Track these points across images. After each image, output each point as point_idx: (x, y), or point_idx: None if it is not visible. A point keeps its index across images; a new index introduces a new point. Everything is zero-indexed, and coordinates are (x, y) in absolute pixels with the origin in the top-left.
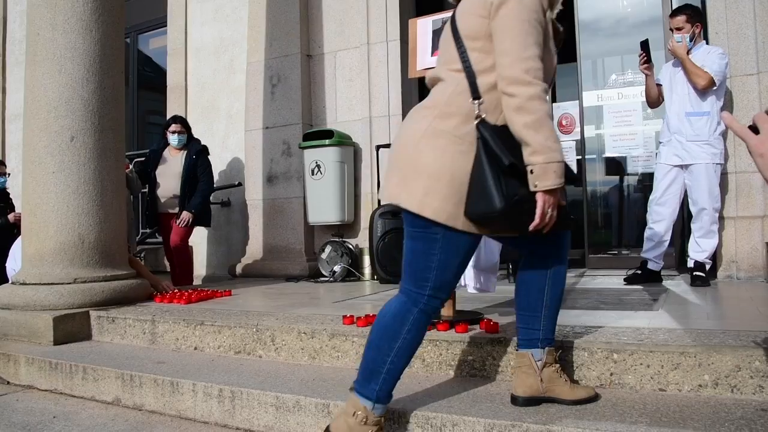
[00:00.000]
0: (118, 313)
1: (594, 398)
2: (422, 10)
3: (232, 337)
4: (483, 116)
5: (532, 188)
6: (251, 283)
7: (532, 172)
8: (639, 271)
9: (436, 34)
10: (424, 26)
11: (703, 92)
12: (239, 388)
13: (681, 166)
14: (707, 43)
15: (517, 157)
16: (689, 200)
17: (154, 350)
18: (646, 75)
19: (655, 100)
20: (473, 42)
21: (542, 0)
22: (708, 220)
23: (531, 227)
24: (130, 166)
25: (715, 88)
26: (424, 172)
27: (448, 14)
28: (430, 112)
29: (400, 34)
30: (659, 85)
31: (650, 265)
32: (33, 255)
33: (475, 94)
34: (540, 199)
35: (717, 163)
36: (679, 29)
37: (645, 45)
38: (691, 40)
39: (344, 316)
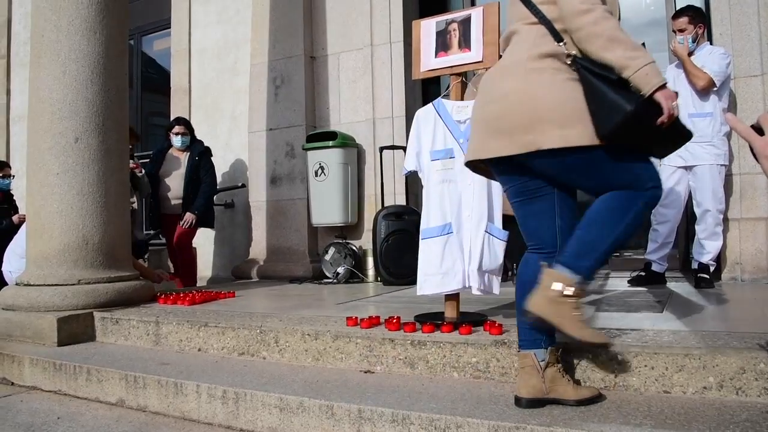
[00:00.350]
0: (122, 314)
1: (598, 398)
2: (426, 12)
3: (236, 339)
4: (573, 53)
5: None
6: (255, 284)
7: (632, 86)
8: (643, 273)
9: (440, 35)
10: (427, 28)
11: (705, 93)
12: (243, 389)
13: (685, 168)
14: (711, 44)
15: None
16: (693, 202)
17: (158, 351)
18: None
19: None
20: None
21: None
22: (712, 222)
23: (658, 121)
24: (141, 169)
25: (715, 88)
26: (545, 108)
27: (451, 15)
28: (521, 62)
29: (403, 36)
30: None
31: (654, 267)
32: (37, 256)
33: (557, 38)
34: (659, 97)
35: (721, 165)
36: (681, 31)
37: (644, 46)
38: (693, 42)
39: (348, 318)
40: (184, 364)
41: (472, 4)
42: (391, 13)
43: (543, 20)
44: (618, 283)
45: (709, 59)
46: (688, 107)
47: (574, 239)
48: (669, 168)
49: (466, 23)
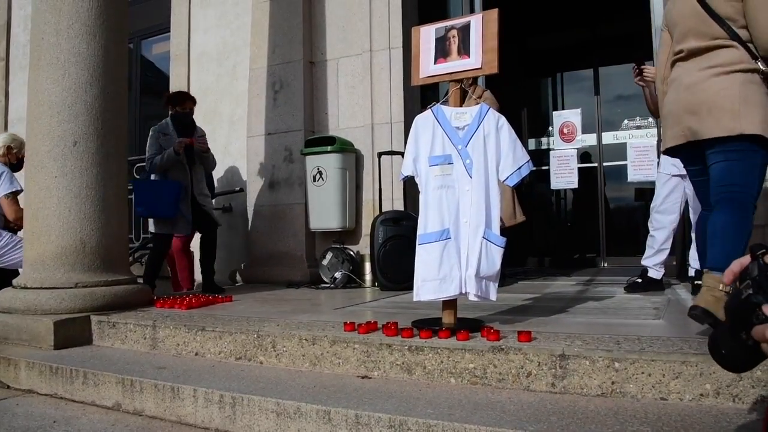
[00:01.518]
0: (119, 318)
1: None
2: (425, 18)
3: (233, 343)
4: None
5: None
6: (252, 289)
7: None
8: (639, 280)
9: (439, 42)
10: (426, 34)
11: None
12: (240, 394)
13: (681, 176)
14: None
15: None
16: (689, 209)
17: (155, 355)
18: (642, 87)
19: (655, 109)
20: (734, 23)
21: None
22: None
23: None
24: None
25: None
26: (755, 104)
27: (451, 22)
28: (730, 71)
29: (402, 42)
30: None
31: (651, 273)
32: (34, 259)
33: (754, 56)
34: None
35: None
36: None
37: (637, 61)
38: None
39: (345, 323)
40: (181, 368)
41: (472, 11)
42: (390, 19)
43: (740, 42)
44: (616, 290)
45: None
46: None
47: (719, 250)
48: (664, 176)
49: (465, 30)
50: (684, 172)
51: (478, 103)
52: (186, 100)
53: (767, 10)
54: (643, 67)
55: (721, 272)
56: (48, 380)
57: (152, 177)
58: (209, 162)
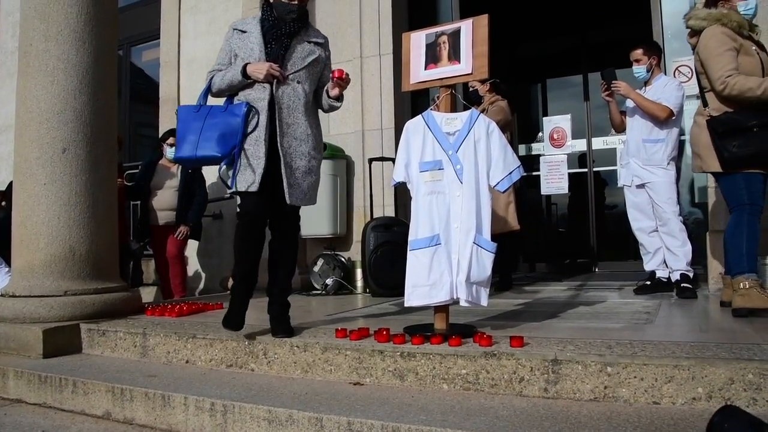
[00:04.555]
0: (109, 326)
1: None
2: (415, 24)
3: (224, 351)
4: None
5: None
6: None
7: None
8: (648, 282)
9: (430, 48)
10: (417, 40)
11: (664, 122)
12: (231, 401)
13: (642, 185)
14: (665, 74)
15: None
16: (655, 214)
17: (145, 363)
18: (608, 102)
19: (618, 125)
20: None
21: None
22: (676, 226)
23: None
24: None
25: (674, 118)
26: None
27: (441, 28)
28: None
29: (393, 48)
30: (623, 112)
31: (659, 274)
32: (23, 267)
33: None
34: None
35: (673, 182)
36: (637, 61)
37: (605, 75)
38: (648, 72)
39: (337, 330)
40: (172, 376)
41: (461, 16)
42: (380, 26)
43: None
44: (607, 294)
45: (665, 90)
46: (643, 133)
47: (730, 256)
48: (627, 188)
49: (455, 36)
50: (644, 181)
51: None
52: None
53: (710, 66)
54: (613, 83)
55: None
56: (36, 389)
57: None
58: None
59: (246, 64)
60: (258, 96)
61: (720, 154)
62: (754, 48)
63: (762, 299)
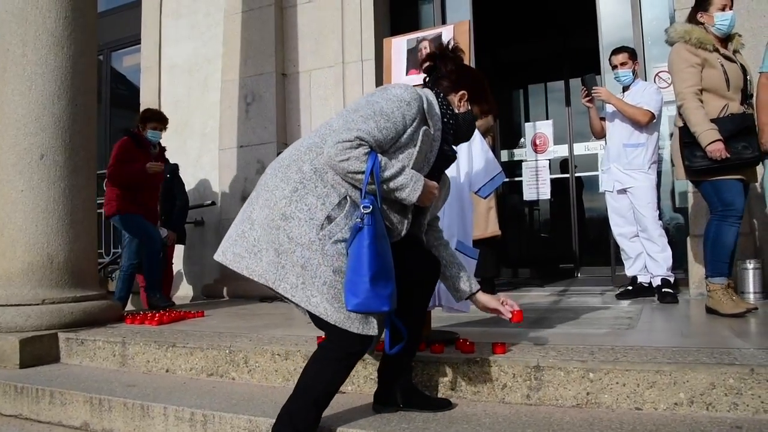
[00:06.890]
0: (88, 334)
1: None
2: (397, 30)
3: (205, 359)
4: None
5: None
6: (225, 303)
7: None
8: (630, 287)
9: (411, 53)
10: (398, 45)
11: (645, 126)
12: (211, 411)
13: (623, 190)
14: (645, 80)
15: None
16: (635, 218)
17: (125, 373)
18: (588, 108)
19: (598, 131)
20: None
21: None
22: (654, 229)
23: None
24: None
25: (654, 121)
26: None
27: (422, 33)
28: None
29: (375, 54)
30: (603, 118)
31: (640, 280)
32: (0, 275)
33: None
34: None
35: (653, 186)
36: (623, 64)
37: (585, 81)
38: (633, 75)
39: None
40: (151, 385)
41: (443, 22)
42: (362, 31)
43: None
44: (590, 300)
45: (644, 95)
46: (623, 138)
47: (708, 261)
48: (609, 193)
49: (437, 41)
50: (625, 186)
51: None
52: None
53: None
54: (594, 89)
55: (718, 276)
56: (12, 400)
57: None
58: None
59: None
60: None
61: (683, 164)
62: (719, 60)
63: (719, 303)
